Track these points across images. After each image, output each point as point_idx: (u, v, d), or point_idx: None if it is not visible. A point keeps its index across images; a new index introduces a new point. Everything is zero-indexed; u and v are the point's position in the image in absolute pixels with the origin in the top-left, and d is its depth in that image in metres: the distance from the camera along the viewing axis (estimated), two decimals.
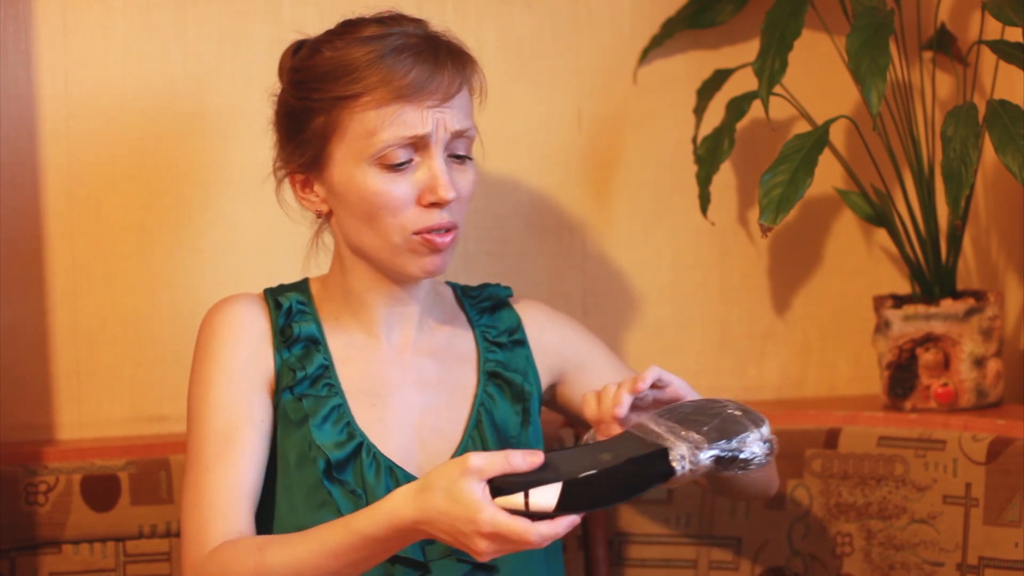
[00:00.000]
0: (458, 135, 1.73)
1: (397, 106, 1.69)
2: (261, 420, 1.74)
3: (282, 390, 1.75)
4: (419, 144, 1.71)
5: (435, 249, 1.72)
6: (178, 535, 1.99)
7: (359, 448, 1.74)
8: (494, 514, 1.49)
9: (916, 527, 1.98)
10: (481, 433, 1.79)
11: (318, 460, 1.72)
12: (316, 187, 1.77)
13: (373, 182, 1.71)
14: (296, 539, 1.60)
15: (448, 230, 1.72)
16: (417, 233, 1.71)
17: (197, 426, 1.73)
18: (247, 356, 1.75)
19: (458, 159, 1.74)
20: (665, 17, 2.21)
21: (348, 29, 1.75)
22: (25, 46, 2.09)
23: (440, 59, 1.72)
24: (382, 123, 1.69)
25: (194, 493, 1.70)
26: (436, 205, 1.71)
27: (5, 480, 1.96)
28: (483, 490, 1.49)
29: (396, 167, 1.70)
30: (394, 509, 1.54)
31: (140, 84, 2.11)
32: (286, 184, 1.80)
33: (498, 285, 1.91)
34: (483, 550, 1.50)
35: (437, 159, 1.71)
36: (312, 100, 1.73)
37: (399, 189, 1.71)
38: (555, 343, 1.90)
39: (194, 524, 1.68)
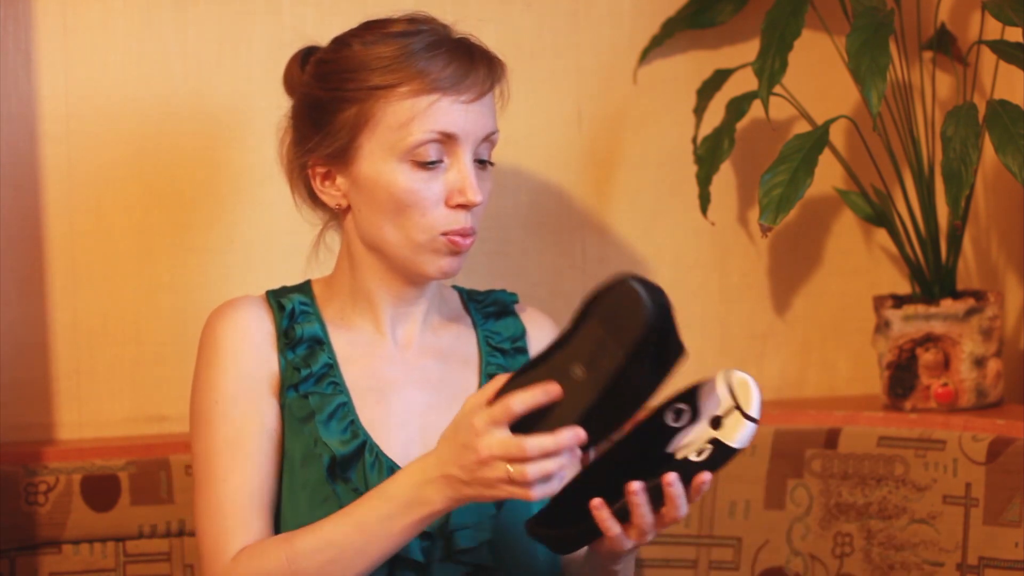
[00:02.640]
0: (486, 138, 1.73)
1: (433, 97, 1.69)
2: (270, 425, 1.73)
3: (287, 389, 1.75)
4: (449, 143, 1.70)
5: (456, 251, 1.72)
6: (178, 535, 2.00)
7: (362, 447, 1.74)
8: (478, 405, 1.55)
9: (916, 527, 1.98)
10: None
11: (323, 456, 1.72)
12: (339, 180, 1.75)
13: (404, 179, 1.70)
14: (322, 521, 1.65)
15: (468, 234, 1.73)
16: (444, 234, 1.71)
17: (207, 434, 1.72)
18: (254, 360, 1.75)
19: (481, 164, 1.74)
20: (665, 17, 2.21)
21: (376, 26, 1.75)
22: (25, 46, 2.09)
23: (475, 58, 1.73)
24: (416, 114, 1.68)
25: (210, 504, 1.69)
26: (463, 207, 1.71)
27: (5, 480, 1.96)
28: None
29: (427, 165, 1.70)
30: (418, 465, 1.61)
31: (140, 84, 2.11)
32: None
33: (504, 291, 1.90)
34: (487, 454, 1.53)
35: (466, 161, 1.71)
36: (345, 90, 1.72)
37: (429, 189, 1.70)
38: None
39: (212, 534, 1.68)
